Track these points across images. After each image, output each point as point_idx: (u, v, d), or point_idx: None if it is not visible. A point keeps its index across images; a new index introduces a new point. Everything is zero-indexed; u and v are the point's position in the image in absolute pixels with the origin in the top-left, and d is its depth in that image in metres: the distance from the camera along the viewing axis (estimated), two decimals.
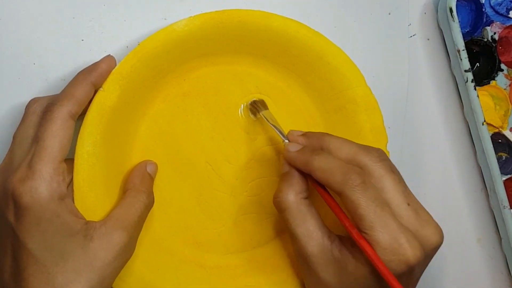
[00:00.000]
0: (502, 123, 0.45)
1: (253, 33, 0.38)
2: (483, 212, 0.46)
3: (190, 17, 0.37)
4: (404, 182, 0.35)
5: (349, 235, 0.33)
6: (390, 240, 0.31)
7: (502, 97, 0.45)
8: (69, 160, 0.35)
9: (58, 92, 0.39)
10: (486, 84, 0.45)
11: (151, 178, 0.38)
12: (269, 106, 0.40)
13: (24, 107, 0.37)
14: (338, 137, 0.36)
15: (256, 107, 0.40)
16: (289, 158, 0.36)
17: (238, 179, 0.40)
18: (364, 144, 0.39)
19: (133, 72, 0.36)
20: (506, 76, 0.45)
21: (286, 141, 0.37)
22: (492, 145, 0.43)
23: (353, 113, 0.40)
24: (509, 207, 0.43)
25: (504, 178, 0.44)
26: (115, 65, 0.36)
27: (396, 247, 0.31)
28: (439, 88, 0.45)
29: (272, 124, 0.38)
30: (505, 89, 0.45)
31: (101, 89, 0.35)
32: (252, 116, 0.40)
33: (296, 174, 0.36)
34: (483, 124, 0.43)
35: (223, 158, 0.40)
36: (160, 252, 0.39)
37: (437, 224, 0.34)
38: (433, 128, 0.45)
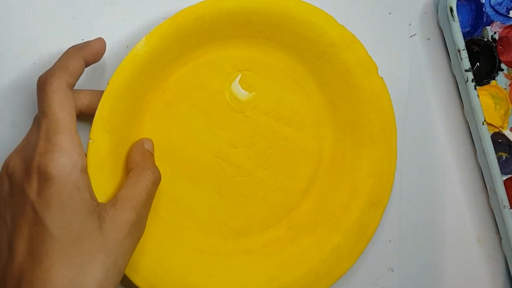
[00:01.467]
0: (502, 123, 0.45)
1: (212, 21, 0.38)
2: (483, 212, 0.46)
3: (146, 35, 0.36)
4: None
5: None
6: None
7: (502, 96, 0.45)
8: None
9: None
10: (486, 84, 0.45)
11: (151, 155, 0.38)
12: (253, 79, 0.40)
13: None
14: None
15: None
16: None
17: (250, 158, 0.41)
18: (355, 78, 0.40)
19: (113, 111, 0.35)
20: (506, 76, 0.45)
21: None
22: (492, 145, 0.43)
23: (336, 55, 0.40)
24: (509, 207, 0.43)
25: (504, 178, 0.44)
26: (105, 48, 0.36)
27: None
28: (439, 87, 0.45)
29: None
30: (505, 88, 0.45)
31: (90, 141, 0.35)
32: (243, 92, 0.40)
33: None
34: (483, 123, 0.43)
35: (228, 146, 0.40)
36: (207, 258, 0.40)
37: None
38: (433, 127, 0.45)
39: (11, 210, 0.32)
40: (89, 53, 0.35)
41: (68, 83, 0.33)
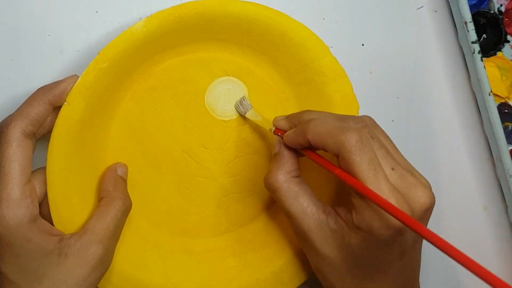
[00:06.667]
0: (508, 93, 0.45)
1: (213, 21, 0.38)
2: (489, 181, 0.46)
3: (147, 17, 0.36)
4: (389, 146, 0.34)
5: (342, 205, 0.33)
6: None
7: (508, 68, 0.45)
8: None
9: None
10: (492, 55, 0.45)
11: (124, 181, 0.38)
12: (238, 87, 0.41)
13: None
14: (316, 111, 0.36)
15: (241, 107, 0.40)
16: (287, 140, 0.36)
17: (216, 162, 0.41)
18: (335, 112, 0.39)
19: (96, 81, 0.36)
20: None
21: (272, 127, 0.38)
22: (498, 115, 0.43)
23: (322, 84, 0.41)
24: None
25: (510, 148, 0.44)
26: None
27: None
28: (446, 59, 0.45)
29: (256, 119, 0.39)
30: (511, 60, 0.45)
31: (65, 103, 0.35)
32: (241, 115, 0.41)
33: (286, 154, 0.36)
34: (489, 94, 0.43)
35: (198, 144, 0.40)
36: (146, 247, 0.40)
37: (426, 186, 0.33)
38: (440, 98, 0.45)
39: None
40: (56, 96, 0.34)
41: (26, 132, 0.33)
